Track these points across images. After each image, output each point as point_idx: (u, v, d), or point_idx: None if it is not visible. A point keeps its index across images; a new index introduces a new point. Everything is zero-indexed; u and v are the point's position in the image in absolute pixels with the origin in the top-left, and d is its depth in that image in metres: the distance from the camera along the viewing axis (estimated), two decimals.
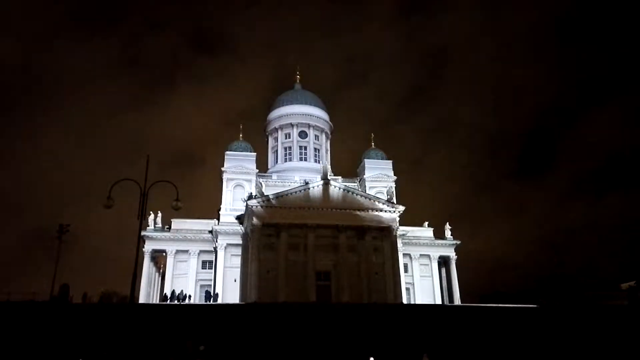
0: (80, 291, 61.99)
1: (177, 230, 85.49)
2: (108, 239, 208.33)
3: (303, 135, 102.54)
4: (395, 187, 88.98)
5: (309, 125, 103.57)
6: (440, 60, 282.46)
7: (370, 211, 77.64)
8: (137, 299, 69.53)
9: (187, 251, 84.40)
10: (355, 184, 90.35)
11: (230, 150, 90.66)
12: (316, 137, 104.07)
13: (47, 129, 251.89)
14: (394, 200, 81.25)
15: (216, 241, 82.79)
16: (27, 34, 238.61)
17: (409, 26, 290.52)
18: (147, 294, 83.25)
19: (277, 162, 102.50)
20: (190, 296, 75.65)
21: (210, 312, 52.37)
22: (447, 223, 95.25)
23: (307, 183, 79.53)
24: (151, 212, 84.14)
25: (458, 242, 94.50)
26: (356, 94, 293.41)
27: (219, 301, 72.88)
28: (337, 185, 78.84)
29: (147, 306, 62.17)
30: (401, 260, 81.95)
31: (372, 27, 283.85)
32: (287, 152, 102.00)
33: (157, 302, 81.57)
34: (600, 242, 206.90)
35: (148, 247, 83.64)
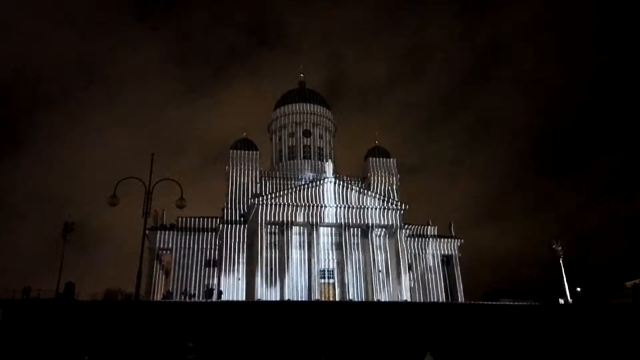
0: (86, 289, 62.28)
1: (182, 228, 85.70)
2: (119, 236, 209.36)
3: (307, 133, 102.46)
4: (402, 186, 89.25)
5: (313, 124, 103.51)
6: (487, 58, 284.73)
7: (374, 209, 77.81)
8: (142, 296, 69.80)
9: (191, 249, 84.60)
10: (360, 183, 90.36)
11: (234, 149, 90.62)
12: (320, 135, 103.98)
13: (84, 126, 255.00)
14: (398, 198, 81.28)
15: (221, 239, 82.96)
16: (90, 29, 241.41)
17: (463, 24, 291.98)
18: (151, 292, 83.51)
19: (281, 160, 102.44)
20: (194, 294, 75.93)
21: (214, 310, 52.55)
22: (451, 222, 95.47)
23: (311, 181, 79.69)
24: (156, 210, 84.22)
25: (462, 240, 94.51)
26: (404, 91, 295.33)
27: (223, 298, 73.15)
28: (341, 184, 78.93)
29: (151, 304, 62.41)
30: (405, 258, 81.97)
31: (426, 26, 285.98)
32: (291, 150, 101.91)
33: (161, 299, 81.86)
34: (609, 241, 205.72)
35: (153, 244, 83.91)
